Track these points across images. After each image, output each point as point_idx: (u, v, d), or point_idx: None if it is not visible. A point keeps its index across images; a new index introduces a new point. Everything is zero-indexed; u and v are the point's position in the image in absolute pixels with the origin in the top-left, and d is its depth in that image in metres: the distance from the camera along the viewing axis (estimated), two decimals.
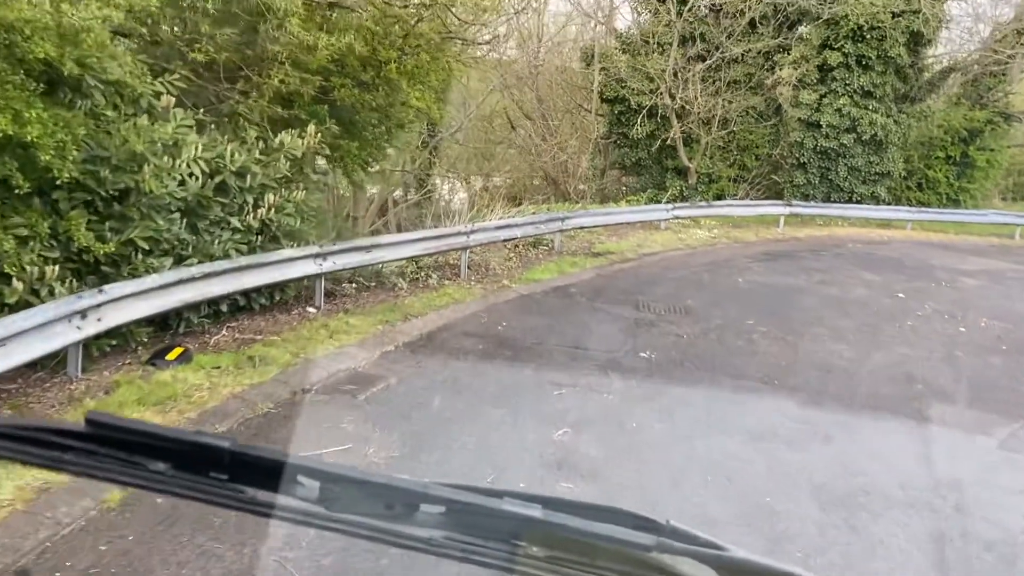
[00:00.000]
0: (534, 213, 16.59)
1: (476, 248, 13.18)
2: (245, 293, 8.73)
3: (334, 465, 0.94)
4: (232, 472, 0.95)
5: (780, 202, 21.31)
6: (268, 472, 0.93)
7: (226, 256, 8.25)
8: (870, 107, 22.26)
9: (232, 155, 8.39)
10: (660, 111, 22.52)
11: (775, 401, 7.80)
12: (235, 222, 8.50)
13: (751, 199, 23.25)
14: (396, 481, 0.93)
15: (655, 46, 22.80)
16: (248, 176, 8.58)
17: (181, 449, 0.96)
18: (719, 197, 23.27)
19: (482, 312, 10.44)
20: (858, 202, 22.87)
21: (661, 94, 22.12)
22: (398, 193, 23.40)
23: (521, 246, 15.16)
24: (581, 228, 16.20)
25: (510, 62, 24.59)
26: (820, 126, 22.37)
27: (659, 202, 22.33)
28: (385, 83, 10.25)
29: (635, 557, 0.89)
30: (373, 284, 11.40)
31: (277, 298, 9.28)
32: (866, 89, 22.14)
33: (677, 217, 18.69)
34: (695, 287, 13.00)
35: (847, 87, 22.17)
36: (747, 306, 11.80)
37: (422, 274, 12.13)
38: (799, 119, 22.79)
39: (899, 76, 22.83)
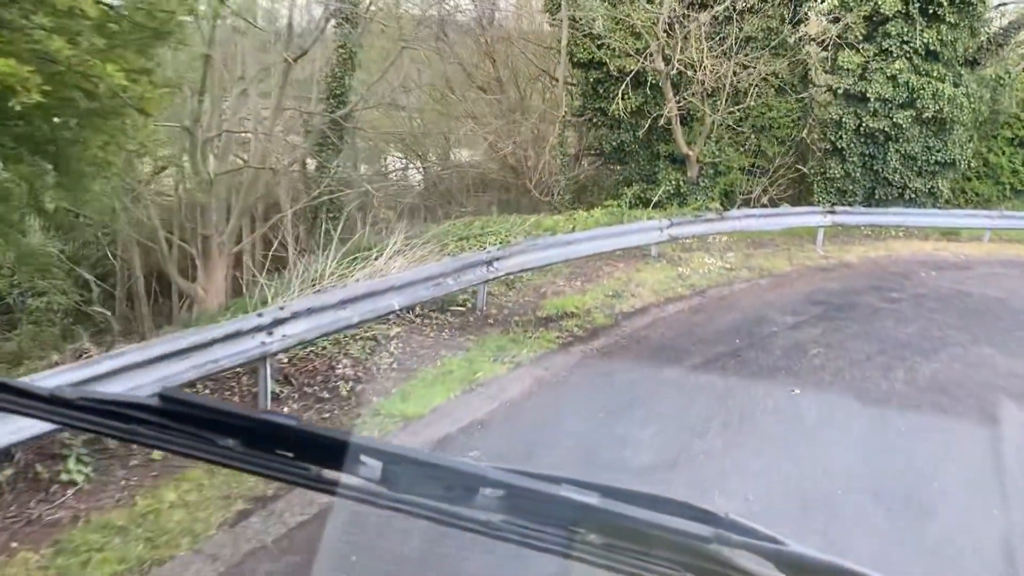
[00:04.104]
0: (447, 254, 9.85)
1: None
2: None
3: (397, 446, 0.91)
4: (297, 450, 0.93)
5: (816, 208, 14.46)
6: (332, 451, 0.91)
7: None
8: (935, 73, 15.41)
9: None
10: (650, 79, 15.58)
11: None
12: None
13: (770, 198, 16.50)
14: (457, 464, 0.89)
15: None
16: None
17: (249, 427, 0.94)
18: (727, 194, 16.48)
19: None
20: (911, 199, 16.13)
21: (651, 56, 15.14)
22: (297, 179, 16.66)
23: (420, 308, 8.52)
24: (523, 271, 9.49)
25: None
26: (866, 99, 15.54)
27: (648, 202, 15.57)
28: None
29: (693, 548, 0.83)
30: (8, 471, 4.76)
31: None
32: (931, 48, 15.26)
33: (674, 238, 11.95)
34: (720, 423, 6.36)
35: (905, 46, 15.28)
36: (844, 530, 5.20)
37: None
38: (836, 90, 15.99)
39: (972, 32, 16.01)
